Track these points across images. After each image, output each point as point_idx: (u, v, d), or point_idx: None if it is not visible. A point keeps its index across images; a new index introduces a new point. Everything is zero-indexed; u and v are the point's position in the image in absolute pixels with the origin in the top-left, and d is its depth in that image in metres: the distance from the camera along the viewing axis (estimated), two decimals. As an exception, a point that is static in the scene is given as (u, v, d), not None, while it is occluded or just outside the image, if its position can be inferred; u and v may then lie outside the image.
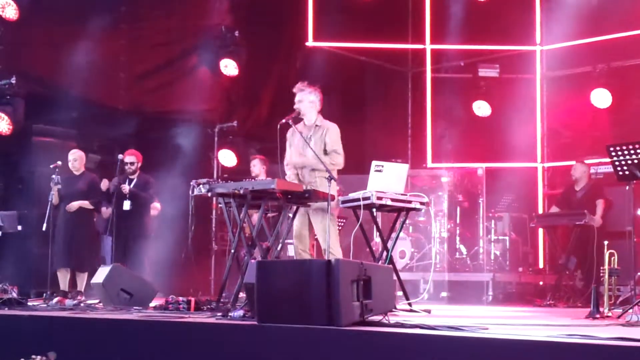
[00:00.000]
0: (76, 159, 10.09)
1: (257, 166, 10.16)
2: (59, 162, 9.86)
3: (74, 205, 9.92)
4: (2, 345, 6.16)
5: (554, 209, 10.57)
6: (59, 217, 9.88)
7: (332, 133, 7.63)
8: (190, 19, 12.83)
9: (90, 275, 9.72)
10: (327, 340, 4.82)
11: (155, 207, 10.63)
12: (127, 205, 10.10)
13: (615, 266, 6.83)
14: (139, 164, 10.29)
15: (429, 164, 13.15)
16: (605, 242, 6.93)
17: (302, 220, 7.70)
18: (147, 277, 9.23)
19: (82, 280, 9.99)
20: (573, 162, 10.65)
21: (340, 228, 9.67)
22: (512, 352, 4.18)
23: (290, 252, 10.26)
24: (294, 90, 7.70)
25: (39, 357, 5.31)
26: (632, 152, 6.98)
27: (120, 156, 10.01)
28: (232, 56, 12.43)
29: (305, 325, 4.95)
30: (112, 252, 9.84)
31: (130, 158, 10.24)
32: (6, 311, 6.96)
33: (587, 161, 10.67)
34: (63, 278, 9.94)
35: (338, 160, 7.51)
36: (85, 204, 10.02)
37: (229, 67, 12.45)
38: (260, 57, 13.11)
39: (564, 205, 10.42)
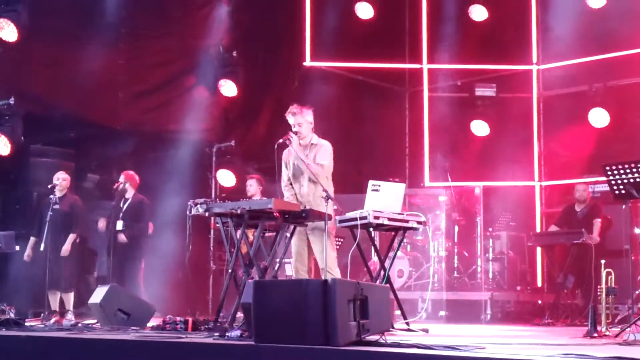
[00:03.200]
0: (65, 179, 10.10)
1: (253, 186, 10.17)
2: (57, 183, 9.90)
3: (67, 249, 9.95)
4: (-1, 366, 6.15)
5: (553, 228, 10.57)
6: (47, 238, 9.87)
7: (323, 150, 7.66)
8: (189, 39, 12.88)
9: (77, 294, 9.77)
10: (324, 360, 4.82)
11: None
12: (119, 225, 10.12)
13: (613, 285, 6.84)
14: (127, 184, 10.28)
15: (427, 183, 13.16)
16: (602, 261, 6.94)
17: (300, 239, 7.72)
18: (143, 296, 9.24)
19: (68, 300, 9.99)
20: (571, 181, 10.67)
21: (337, 247, 9.66)
22: (508, 371, 4.18)
23: (288, 271, 10.27)
24: (288, 114, 7.72)
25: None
26: (628, 171, 6.99)
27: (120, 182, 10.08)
28: (230, 76, 12.48)
29: (302, 345, 4.94)
30: (109, 272, 9.86)
31: (121, 178, 10.28)
32: (4, 332, 6.94)
33: (584, 180, 10.69)
34: (53, 299, 9.93)
35: (321, 173, 7.50)
36: (72, 238, 10.03)
37: (227, 87, 12.49)
38: (258, 77, 13.17)
39: (564, 224, 10.42)
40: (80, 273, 10.61)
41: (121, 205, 10.27)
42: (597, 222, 9.94)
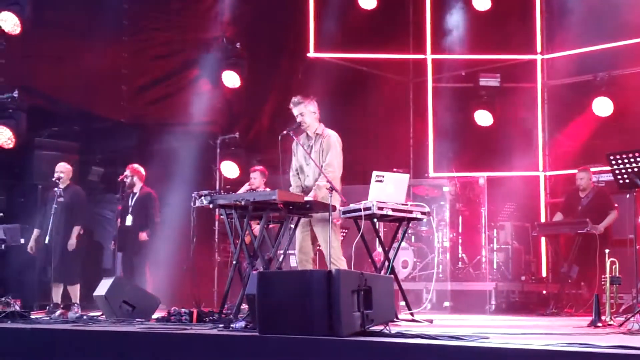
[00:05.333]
0: (64, 171, 10.10)
1: (257, 179, 10.18)
2: (61, 175, 9.92)
3: (72, 243, 10.00)
4: (5, 359, 6.17)
5: (559, 216, 10.55)
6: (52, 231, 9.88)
7: (331, 143, 7.65)
8: (192, 31, 12.89)
9: (83, 287, 9.80)
10: (328, 350, 4.83)
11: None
12: (129, 220, 10.15)
13: (617, 274, 6.83)
14: (134, 177, 10.28)
15: (431, 173, 13.16)
16: (607, 251, 6.93)
17: (303, 230, 7.72)
18: (150, 289, 9.26)
19: (74, 292, 10.01)
20: (575, 171, 10.64)
21: (342, 238, 9.67)
22: (511, 361, 4.19)
23: (293, 263, 10.29)
24: (291, 105, 7.72)
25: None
26: (632, 160, 6.97)
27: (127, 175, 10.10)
28: (233, 68, 12.46)
29: (307, 335, 4.96)
30: (119, 266, 9.90)
31: (127, 172, 10.28)
32: (9, 324, 6.96)
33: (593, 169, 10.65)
34: (56, 291, 9.97)
35: (331, 175, 7.46)
36: (77, 231, 10.07)
37: (231, 79, 12.47)
38: (262, 68, 13.16)
39: (568, 212, 10.39)
40: (87, 265, 10.61)
41: (130, 199, 10.28)
42: (614, 214, 9.85)
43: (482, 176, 11.90)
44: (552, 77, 13.16)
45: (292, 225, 7.72)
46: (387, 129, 13.61)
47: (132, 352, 5.73)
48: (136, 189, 10.34)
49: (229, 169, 12.08)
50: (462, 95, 13.30)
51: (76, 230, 10.09)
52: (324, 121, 7.89)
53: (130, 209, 10.22)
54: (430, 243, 11.84)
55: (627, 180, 7.06)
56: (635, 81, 11.90)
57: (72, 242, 10.01)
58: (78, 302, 9.88)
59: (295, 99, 7.71)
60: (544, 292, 11.25)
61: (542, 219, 12.41)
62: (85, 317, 7.83)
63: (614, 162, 7.09)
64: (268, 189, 8.16)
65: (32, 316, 7.83)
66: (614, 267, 6.83)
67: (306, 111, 7.67)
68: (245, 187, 9.91)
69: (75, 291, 10.04)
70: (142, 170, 10.42)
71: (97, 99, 11.96)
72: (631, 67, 12.06)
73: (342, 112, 12.16)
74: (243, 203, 7.30)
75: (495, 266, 11.47)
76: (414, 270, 11.60)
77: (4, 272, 10.71)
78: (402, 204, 7.54)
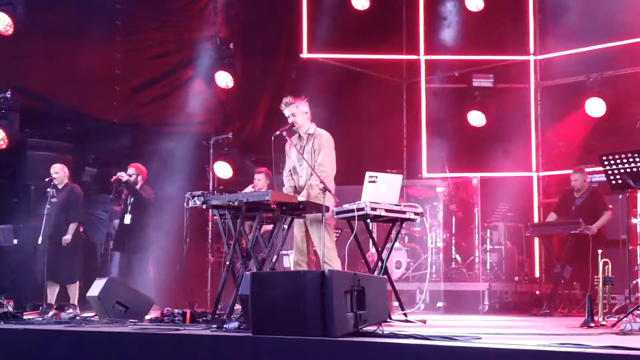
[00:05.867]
0: (57, 172, 10.07)
1: (262, 180, 10.19)
2: (55, 175, 9.91)
3: (67, 239, 9.96)
4: (-2, 359, 6.17)
5: (552, 216, 10.57)
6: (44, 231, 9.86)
7: (323, 143, 7.66)
8: (186, 32, 12.89)
9: (83, 285, 9.76)
10: (321, 351, 4.84)
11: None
12: (127, 219, 10.13)
13: (610, 274, 6.85)
14: (139, 176, 10.26)
15: (424, 174, 13.16)
16: (600, 251, 6.95)
17: (300, 230, 7.73)
18: (152, 288, 9.26)
19: (73, 292, 9.99)
20: (568, 172, 10.65)
21: (335, 239, 9.68)
22: (504, 361, 4.20)
23: (286, 263, 10.29)
24: (282, 106, 7.73)
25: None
26: (624, 161, 6.98)
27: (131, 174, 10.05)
28: (227, 68, 12.47)
29: (300, 336, 4.96)
30: (115, 266, 9.89)
31: (131, 170, 10.26)
32: (1, 325, 6.95)
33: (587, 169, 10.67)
34: (51, 291, 9.93)
35: (324, 175, 7.50)
36: (74, 228, 10.03)
37: (224, 79, 12.48)
38: (255, 68, 13.17)
39: (562, 212, 10.41)
40: (85, 265, 10.59)
41: (128, 198, 10.26)
42: (607, 214, 9.86)
43: (475, 177, 11.91)
44: (545, 78, 13.19)
45: (286, 226, 7.72)
46: (380, 130, 13.60)
47: (125, 353, 5.73)
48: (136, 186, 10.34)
49: (222, 170, 12.09)
50: (456, 95, 13.32)
51: (73, 226, 10.05)
52: (317, 121, 7.90)
53: (129, 208, 10.21)
54: (423, 243, 11.85)
55: (620, 181, 7.07)
56: (628, 82, 11.94)
57: (67, 238, 9.96)
58: (76, 302, 9.86)
59: (286, 100, 7.72)
60: (537, 292, 11.27)
61: (536, 220, 12.43)
62: (78, 317, 7.82)
63: (606, 162, 7.09)
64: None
65: (25, 317, 7.82)
66: (606, 267, 6.84)
67: (298, 111, 7.69)
68: (249, 188, 9.90)
69: (74, 291, 10.00)
70: (144, 169, 10.42)
71: (91, 100, 11.94)
72: (623, 68, 12.09)
73: (335, 112, 12.17)
74: (236, 204, 7.31)
75: (488, 266, 11.48)
76: (407, 270, 11.60)
77: (-2, 273, 10.68)
78: (395, 205, 7.55)
